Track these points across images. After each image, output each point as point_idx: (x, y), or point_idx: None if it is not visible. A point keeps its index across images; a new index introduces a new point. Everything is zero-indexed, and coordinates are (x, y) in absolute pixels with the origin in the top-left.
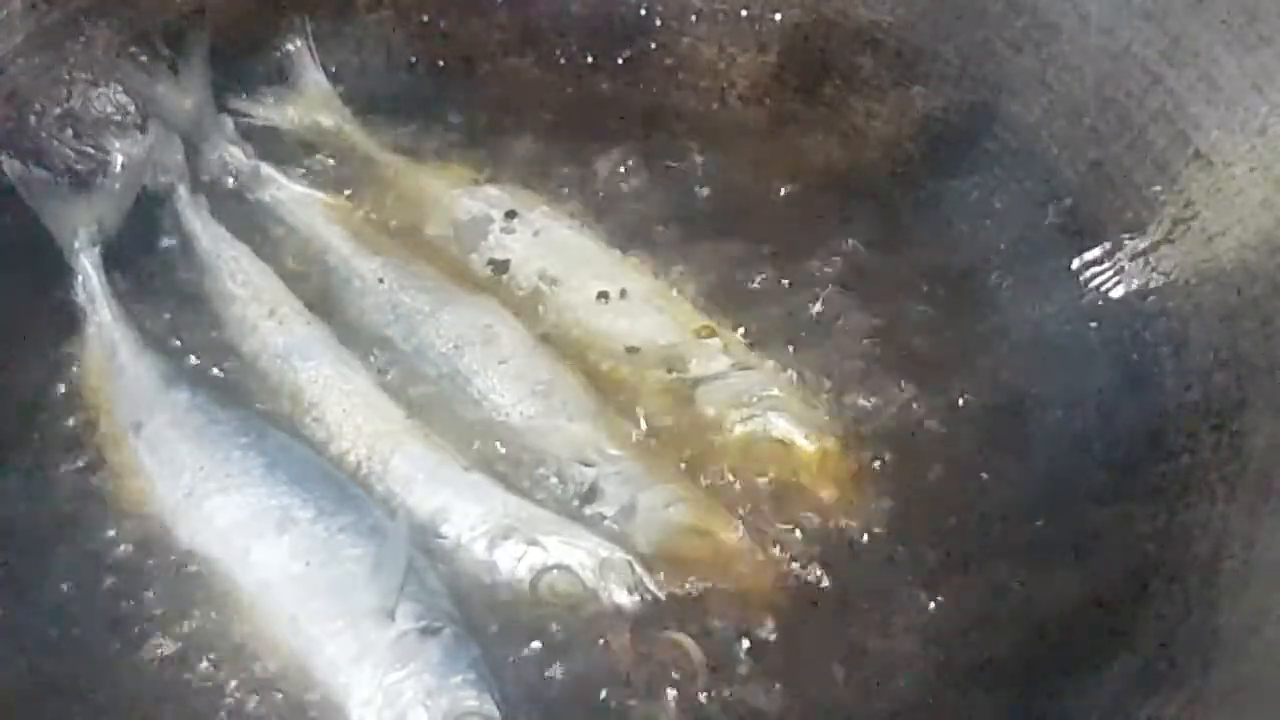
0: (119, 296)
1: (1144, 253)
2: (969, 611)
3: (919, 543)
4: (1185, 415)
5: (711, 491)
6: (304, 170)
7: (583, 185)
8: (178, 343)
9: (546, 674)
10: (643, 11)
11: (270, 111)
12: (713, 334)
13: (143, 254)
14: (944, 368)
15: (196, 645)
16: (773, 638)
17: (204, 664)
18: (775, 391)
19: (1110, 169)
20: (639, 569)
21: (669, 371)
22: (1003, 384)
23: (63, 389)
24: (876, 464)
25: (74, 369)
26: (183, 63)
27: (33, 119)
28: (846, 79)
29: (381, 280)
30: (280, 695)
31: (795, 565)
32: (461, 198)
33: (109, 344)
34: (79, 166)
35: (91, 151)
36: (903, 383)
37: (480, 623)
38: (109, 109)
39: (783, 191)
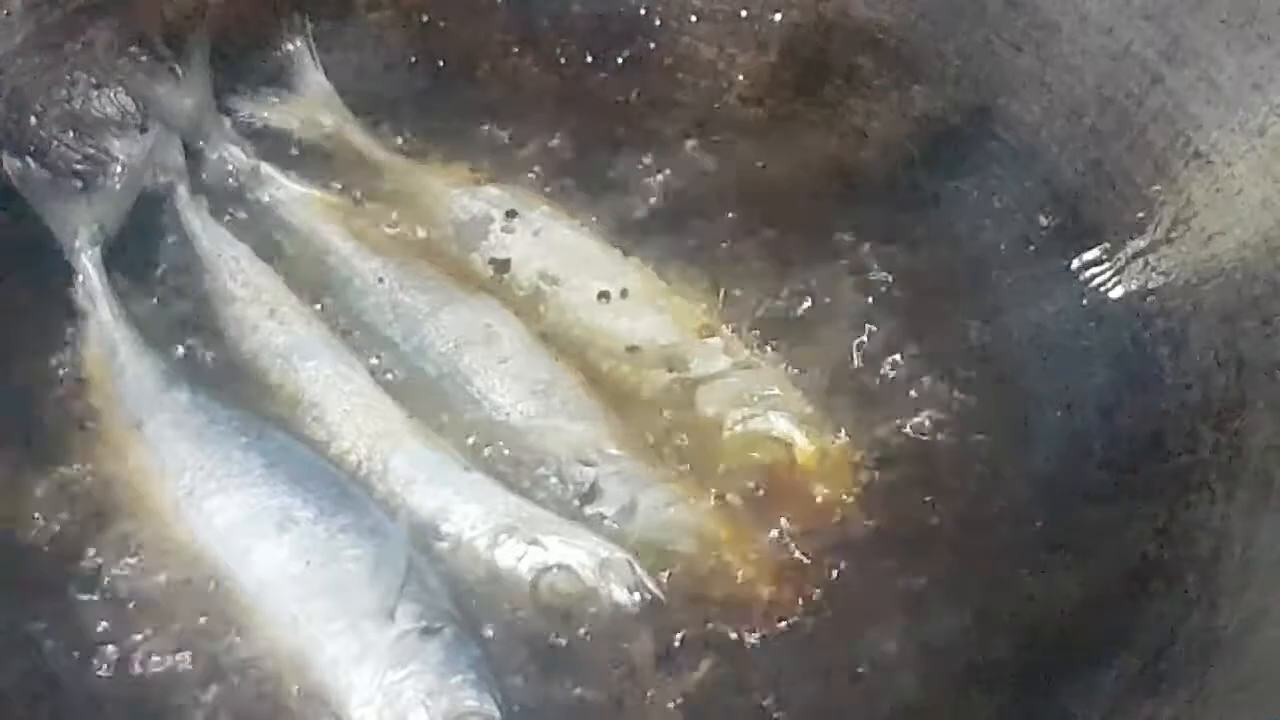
0: (119, 296)
1: (1144, 253)
2: (969, 611)
3: (919, 542)
4: (1185, 415)
5: (712, 490)
6: (304, 170)
7: (583, 185)
8: (178, 343)
9: (547, 674)
10: (643, 11)
11: (270, 111)
12: (713, 334)
13: (143, 254)
14: (944, 368)
15: (196, 645)
16: (772, 637)
17: (204, 664)
18: (775, 391)
19: (1110, 169)
20: (639, 568)
21: (669, 371)
22: (1003, 384)
23: (63, 389)
24: (876, 463)
25: (74, 369)
26: (183, 63)
27: (33, 119)
28: (846, 79)
29: (381, 280)
30: (280, 695)
31: (795, 564)
32: (462, 197)
33: (109, 344)
34: (79, 166)
35: (92, 151)
36: (903, 382)
37: (480, 623)
38: (109, 109)
39: (783, 191)
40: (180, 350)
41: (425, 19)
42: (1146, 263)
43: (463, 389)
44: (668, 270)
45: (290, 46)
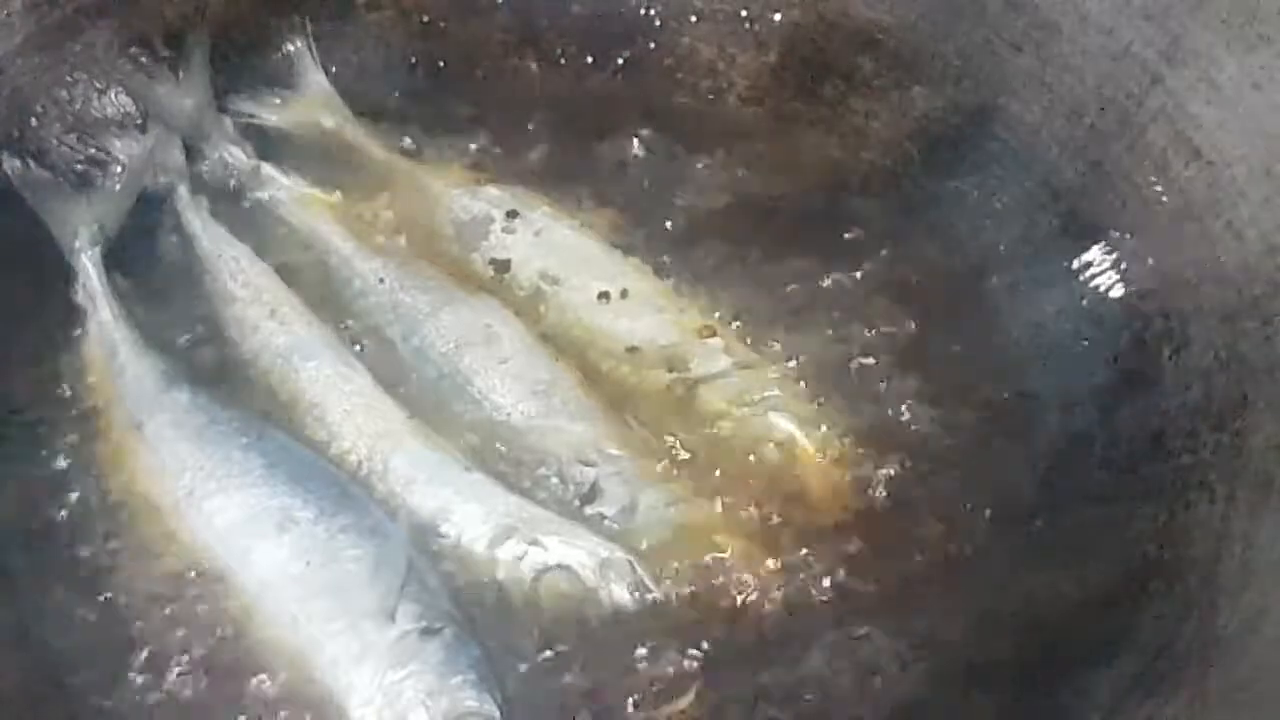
0: (119, 296)
1: (1144, 253)
2: (969, 611)
3: (918, 542)
4: (1185, 415)
5: (712, 491)
6: (304, 170)
7: (583, 185)
8: (178, 343)
9: (547, 674)
10: (643, 11)
11: (270, 111)
12: (713, 334)
13: (143, 254)
14: (944, 368)
15: (196, 645)
16: (772, 637)
17: (204, 664)
18: (776, 391)
19: (1110, 169)
20: (639, 568)
21: (670, 371)
22: (1003, 384)
23: (63, 389)
24: (877, 463)
25: (74, 369)
26: (183, 63)
27: (33, 119)
28: (846, 79)
29: (382, 280)
30: (280, 695)
31: (795, 564)
32: (462, 197)
33: (109, 344)
34: (79, 167)
35: (92, 152)
36: (903, 382)
37: (480, 623)
38: (109, 109)
39: (782, 191)
40: (180, 350)
41: (425, 19)
42: (1146, 263)
43: (463, 389)
44: (668, 271)
45: (290, 46)
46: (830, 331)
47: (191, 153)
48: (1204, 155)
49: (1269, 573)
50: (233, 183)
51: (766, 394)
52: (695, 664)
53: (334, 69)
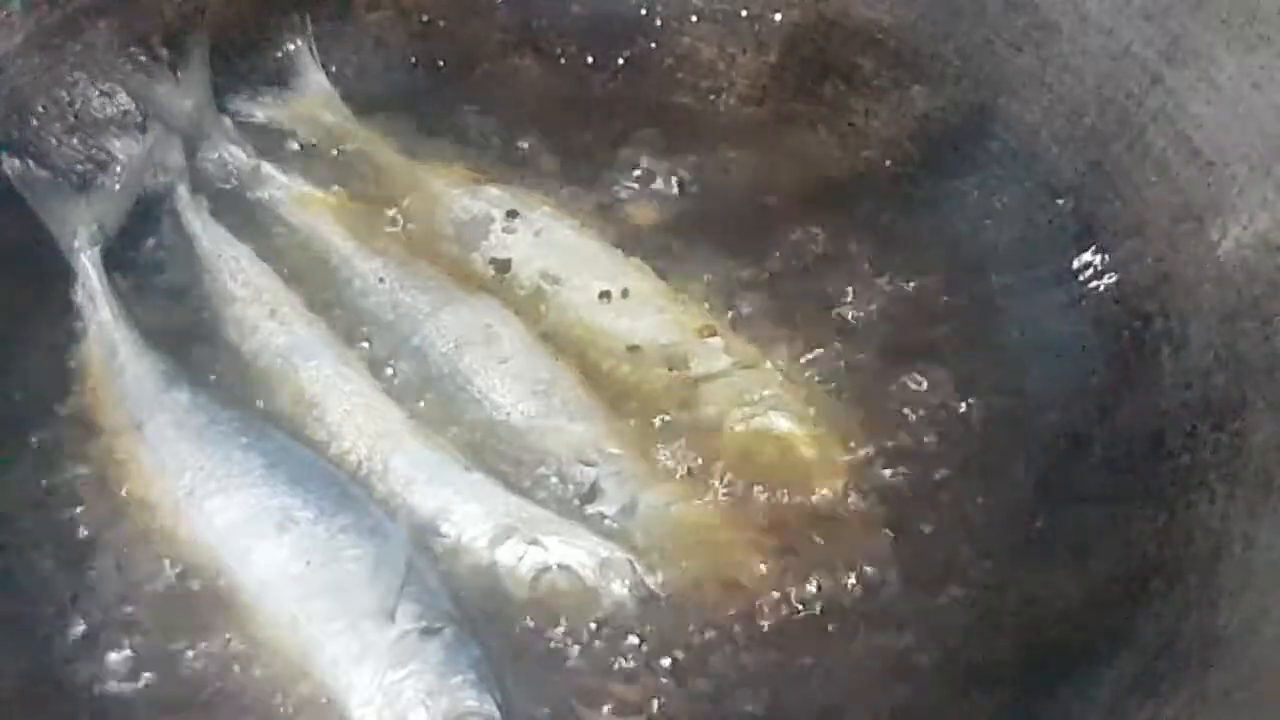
0: (119, 296)
1: (1144, 253)
2: (969, 611)
3: (918, 542)
4: (1185, 415)
5: (712, 490)
6: (304, 170)
7: (584, 185)
8: (178, 343)
9: (547, 674)
10: (643, 11)
11: (270, 111)
12: (714, 333)
13: (143, 254)
14: (944, 367)
15: (196, 645)
16: (772, 637)
17: (204, 664)
18: (776, 391)
19: (1110, 169)
20: (639, 568)
21: (670, 370)
22: (1003, 384)
23: (63, 389)
24: (877, 462)
25: (74, 369)
26: (182, 63)
27: (33, 119)
28: (846, 79)
29: (382, 280)
30: (280, 695)
31: (794, 563)
32: (462, 197)
33: (109, 344)
34: (79, 166)
35: (91, 151)
36: (903, 382)
37: (480, 623)
38: (109, 109)
39: (783, 191)
40: (180, 351)
41: (425, 19)
42: (1146, 263)
43: (463, 389)
44: (668, 270)
45: (290, 46)
46: (830, 331)
47: (191, 153)
48: (1204, 155)
49: (1269, 573)
50: (233, 182)
51: (767, 393)
52: (694, 663)
53: (334, 69)
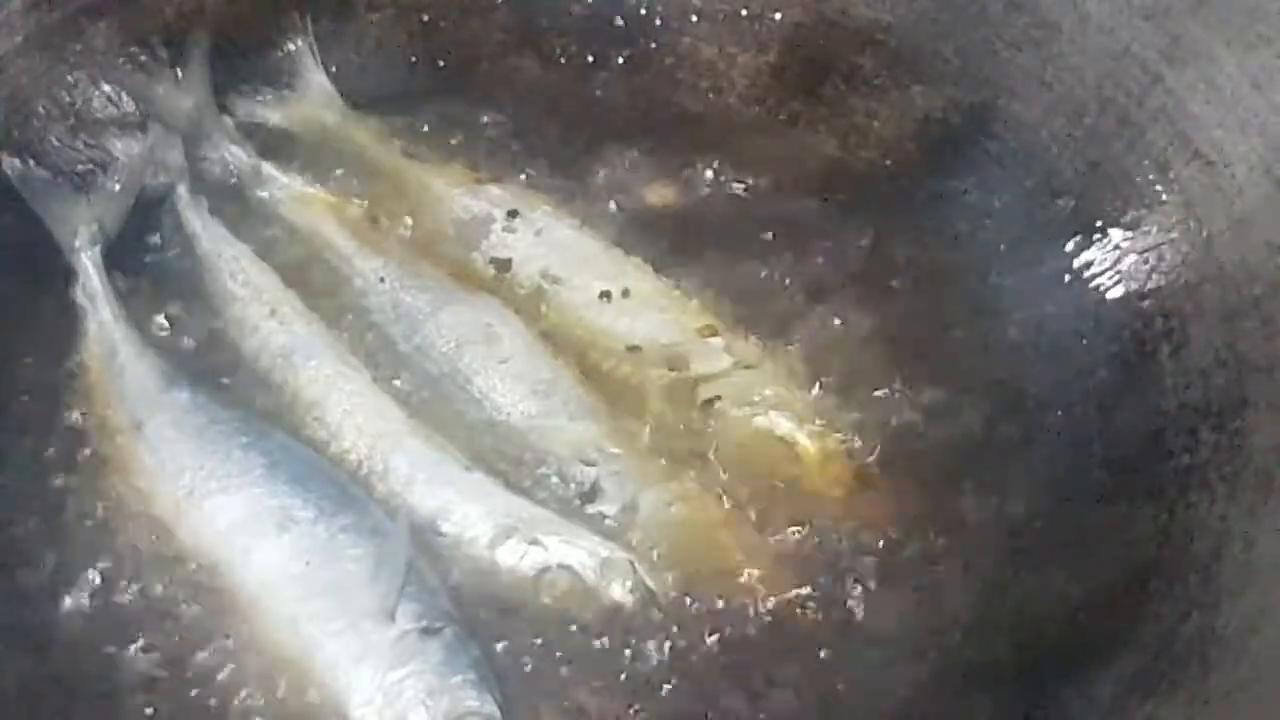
0: (119, 296)
1: (1144, 253)
2: (969, 611)
3: (919, 542)
4: (1185, 415)
5: (713, 490)
6: (304, 170)
7: (584, 184)
8: (178, 343)
9: (547, 674)
10: (643, 11)
11: (270, 111)
12: (714, 333)
13: (143, 254)
14: (944, 367)
15: (197, 645)
16: (772, 636)
17: (204, 664)
18: (777, 390)
19: (1110, 169)
20: (639, 568)
21: (671, 370)
22: (1003, 384)
23: (63, 389)
24: (878, 463)
25: (74, 369)
26: (183, 63)
27: (33, 119)
28: (846, 79)
29: (382, 279)
30: (280, 695)
31: (795, 563)
32: (463, 197)
33: (109, 344)
34: (79, 166)
35: (92, 151)
36: (904, 382)
37: (480, 623)
38: (109, 109)
39: (783, 191)
40: (180, 350)
41: (425, 19)
42: (1146, 263)
43: (463, 388)
44: (669, 270)
45: (290, 46)
46: (830, 331)
47: (191, 152)
48: (1204, 155)
49: (1269, 573)
50: (233, 182)
51: (767, 392)
52: (694, 663)
53: (334, 68)
